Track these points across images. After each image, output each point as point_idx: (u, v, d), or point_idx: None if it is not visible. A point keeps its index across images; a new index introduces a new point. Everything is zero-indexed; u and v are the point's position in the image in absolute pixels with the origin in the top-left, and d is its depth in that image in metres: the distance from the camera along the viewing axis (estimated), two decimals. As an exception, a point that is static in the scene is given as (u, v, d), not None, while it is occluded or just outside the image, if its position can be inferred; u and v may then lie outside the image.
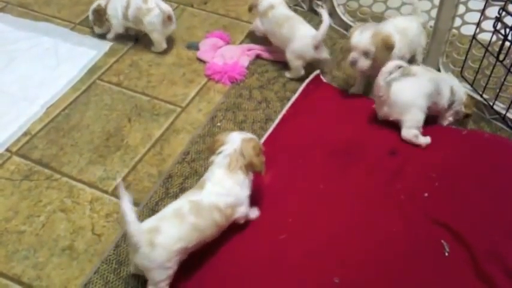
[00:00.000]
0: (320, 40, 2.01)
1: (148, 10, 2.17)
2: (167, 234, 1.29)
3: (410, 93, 1.71)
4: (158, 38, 2.25)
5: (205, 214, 1.36)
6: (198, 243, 1.36)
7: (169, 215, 1.34)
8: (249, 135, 1.50)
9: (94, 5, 2.32)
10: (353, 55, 1.84)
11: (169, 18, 2.22)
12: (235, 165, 1.42)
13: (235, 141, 1.46)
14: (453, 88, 1.78)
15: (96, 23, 2.35)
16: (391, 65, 1.69)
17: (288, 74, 2.13)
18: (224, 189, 1.40)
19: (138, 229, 1.27)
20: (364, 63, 1.84)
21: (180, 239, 1.31)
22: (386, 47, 1.81)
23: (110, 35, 2.37)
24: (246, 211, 1.47)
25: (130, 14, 2.23)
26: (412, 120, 1.72)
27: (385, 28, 1.88)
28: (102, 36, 2.39)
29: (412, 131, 1.72)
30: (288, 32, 2.05)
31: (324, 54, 2.08)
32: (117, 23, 2.31)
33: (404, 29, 1.94)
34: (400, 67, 1.74)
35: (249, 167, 1.45)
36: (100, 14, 2.31)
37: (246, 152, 1.43)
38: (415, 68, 1.78)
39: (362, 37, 1.81)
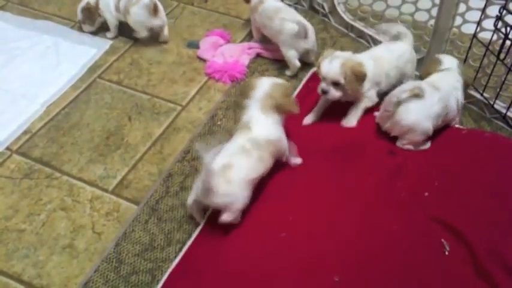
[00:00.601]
0: (304, 31, 2.01)
1: (137, 0, 2.20)
2: (239, 168, 1.43)
3: (416, 117, 1.66)
4: (139, 29, 2.28)
5: (264, 147, 1.50)
6: (262, 174, 1.51)
7: (237, 151, 1.47)
8: (279, 80, 1.62)
9: (82, 4, 2.31)
10: (322, 85, 1.77)
11: (155, 10, 2.23)
12: (267, 107, 1.54)
13: (264, 85, 1.57)
14: (458, 99, 1.75)
15: (86, 21, 2.35)
16: (409, 85, 1.68)
17: (288, 72, 2.13)
18: (268, 126, 1.55)
19: (215, 172, 1.38)
20: (335, 94, 1.76)
21: (251, 170, 1.45)
22: (357, 77, 1.73)
23: (111, 34, 2.37)
24: (286, 144, 1.61)
25: (121, 6, 2.25)
26: (411, 140, 1.70)
27: (356, 56, 1.81)
28: (101, 35, 2.39)
29: (407, 146, 1.72)
30: (278, 25, 2.06)
31: (310, 45, 2.09)
32: (111, 17, 2.32)
33: (381, 57, 1.86)
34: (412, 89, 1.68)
35: (280, 108, 1.56)
36: (91, 12, 2.31)
37: (275, 94, 1.56)
38: (424, 87, 1.69)
39: (331, 67, 1.73)
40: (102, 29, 2.40)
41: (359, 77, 1.73)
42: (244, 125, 1.55)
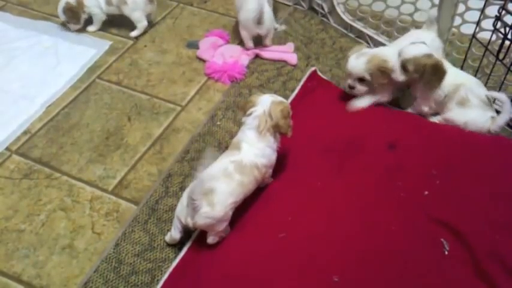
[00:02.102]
0: (258, 16, 2.08)
1: None
2: (221, 193, 1.40)
3: None
4: (140, 17, 2.33)
5: (247, 172, 1.47)
6: (243, 197, 1.48)
7: (219, 175, 1.43)
8: (279, 98, 1.58)
9: (62, 5, 2.31)
10: (348, 81, 1.85)
11: None
12: (264, 127, 1.51)
13: (265, 103, 1.53)
14: None
15: (71, 21, 2.36)
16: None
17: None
18: (259, 150, 1.51)
19: (200, 193, 1.37)
20: (361, 89, 1.85)
21: (232, 195, 1.43)
22: (382, 73, 1.78)
23: (93, 27, 2.40)
24: (271, 172, 1.59)
25: None
26: None
27: (383, 52, 1.83)
28: (101, 34, 2.39)
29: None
30: (239, 3, 2.16)
31: (264, 31, 2.17)
32: (99, 12, 2.36)
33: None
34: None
35: (276, 129, 1.53)
36: (74, 11, 2.33)
37: (274, 113, 1.51)
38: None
39: (357, 63, 1.79)
40: (104, 26, 2.42)
41: (385, 72, 1.78)
42: (235, 143, 1.53)
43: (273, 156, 1.56)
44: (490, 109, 1.76)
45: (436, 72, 1.73)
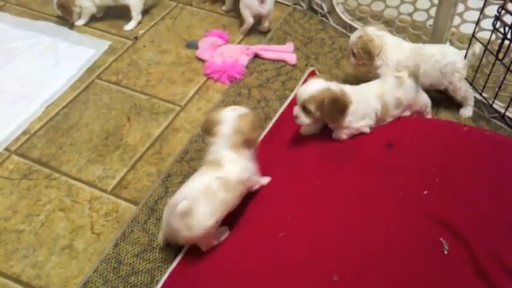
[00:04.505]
0: None
1: None
2: (201, 215, 1.35)
3: None
4: (138, 5, 2.39)
5: (232, 189, 1.42)
6: (227, 213, 1.44)
7: (200, 194, 1.36)
8: (243, 109, 1.51)
9: (55, 0, 2.35)
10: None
11: None
12: (237, 144, 1.45)
13: (230, 119, 1.47)
14: None
15: (66, 16, 2.39)
16: None
17: (240, 31, 2.38)
18: (242, 165, 1.45)
19: (176, 217, 1.34)
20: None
21: (212, 216, 1.37)
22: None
23: (81, 21, 2.43)
24: (257, 179, 1.56)
25: None
26: None
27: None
28: (99, 34, 2.40)
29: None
30: None
31: (265, 10, 2.28)
32: (91, 5, 2.39)
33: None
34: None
35: (250, 144, 1.48)
36: (65, 6, 2.35)
37: (243, 128, 1.46)
38: None
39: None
40: (108, 24, 2.42)
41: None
42: (213, 162, 1.44)
43: (253, 166, 1.51)
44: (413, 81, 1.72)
45: (335, 105, 1.55)
